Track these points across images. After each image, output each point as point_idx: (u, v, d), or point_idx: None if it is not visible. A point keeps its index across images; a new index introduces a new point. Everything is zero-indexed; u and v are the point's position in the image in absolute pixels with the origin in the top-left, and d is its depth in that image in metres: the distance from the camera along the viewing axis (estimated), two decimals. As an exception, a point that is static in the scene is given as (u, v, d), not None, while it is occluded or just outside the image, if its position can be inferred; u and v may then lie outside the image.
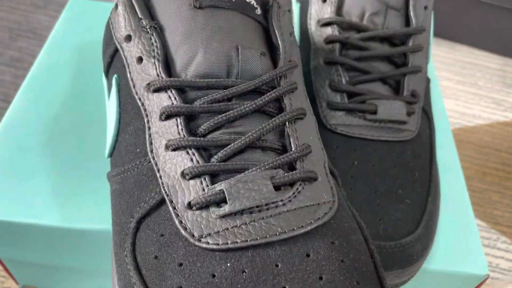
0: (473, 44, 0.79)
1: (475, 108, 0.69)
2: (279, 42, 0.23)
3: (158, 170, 0.21)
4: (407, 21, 0.33)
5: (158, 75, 0.21)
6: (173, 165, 0.20)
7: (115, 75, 0.24)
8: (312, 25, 0.34)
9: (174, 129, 0.21)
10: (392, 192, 0.29)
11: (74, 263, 0.34)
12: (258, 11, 0.23)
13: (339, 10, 0.33)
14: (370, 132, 0.30)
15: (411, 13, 0.32)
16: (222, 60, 0.21)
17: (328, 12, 0.33)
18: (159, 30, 0.22)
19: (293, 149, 0.21)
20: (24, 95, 0.37)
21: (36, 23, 0.68)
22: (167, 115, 0.21)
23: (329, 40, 0.32)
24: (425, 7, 0.33)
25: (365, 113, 0.31)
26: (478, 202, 0.56)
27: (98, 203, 0.30)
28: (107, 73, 0.26)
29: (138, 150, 0.22)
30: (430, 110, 0.34)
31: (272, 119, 0.21)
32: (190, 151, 0.20)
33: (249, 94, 0.22)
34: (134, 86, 0.22)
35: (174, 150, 0.20)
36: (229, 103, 0.21)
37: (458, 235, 0.33)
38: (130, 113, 0.23)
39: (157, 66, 0.21)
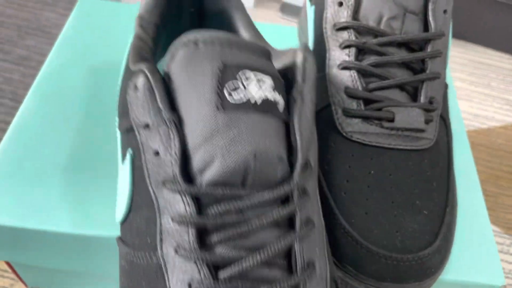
0: (486, 44, 0.78)
1: (489, 110, 0.68)
2: (298, 145, 0.23)
3: (166, 271, 0.21)
4: (426, 26, 0.32)
5: (174, 177, 0.21)
6: (181, 273, 0.21)
7: (130, 151, 0.24)
8: (328, 29, 0.33)
9: (185, 236, 0.21)
10: (409, 202, 0.28)
11: (84, 268, 0.34)
12: (281, 107, 0.22)
13: (355, 14, 0.32)
14: (387, 140, 0.30)
15: (430, 18, 0.31)
16: (239, 169, 0.21)
17: (344, 16, 0.32)
18: (179, 125, 0.21)
19: (298, 269, 0.22)
20: (35, 95, 0.36)
21: (45, 21, 0.67)
22: (180, 221, 0.21)
23: (345, 45, 0.32)
24: (445, 11, 0.32)
25: (382, 120, 0.30)
26: (492, 206, 0.55)
27: (109, 208, 0.30)
28: (122, 130, 0.26)
29: (149, 241, 0.22)
30: (448, 117, 0.34)
31: (282, 239, 0.21)
32: (198, 264, 0.21)
33: (262, 206, 0.22)
34: (148, 177, 0.22)
35: (183, 257, 0.21)
36: (242, 215, 0.21)
37: (474, 244, 0.32)
38: (143, 199, 0.23)
39: (174, 166, 0.21)
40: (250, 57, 0.22)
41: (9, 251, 0.32)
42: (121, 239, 0.25)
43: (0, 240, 0.31)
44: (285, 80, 0.24)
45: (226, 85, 0.21)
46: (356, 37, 0.31)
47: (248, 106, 0.21)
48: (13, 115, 0.53)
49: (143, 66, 0.22)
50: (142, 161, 0.23)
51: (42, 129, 0.34)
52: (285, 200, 0.22)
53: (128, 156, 0.24)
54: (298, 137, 0.22)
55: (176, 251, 0.21)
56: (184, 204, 0.21)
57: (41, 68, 0.39)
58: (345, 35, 0.32)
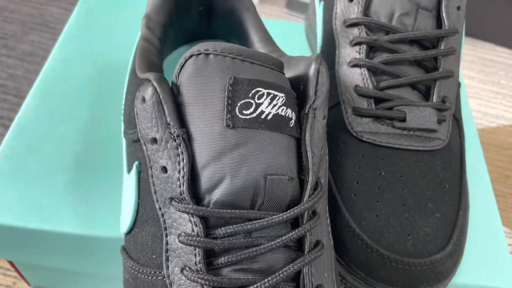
0: (495, 41, 0.77)
1: (498, 108, 0.66)
2: (309, 164, 0.22)
3: None
4: (439, 22, 0.31)
5: (181, 195, 0.20)
6: None
7: (137, 163, 0.23)
8: (338, 26, 0.32)
9: (192, 257, 0.20)
10: (421, 205, 0.27)
11: (86, 268, 0.34)
12: (292, 123, 0.22)
13: (366, 10, 0.31)
14: (398, 141, 0.29)
15: (443, 14, 0.30)
16: (249, 190, 0.20)
17: (354, 12, 0.31)
18: (187, 141, 0.21)
19: None
20: (38, 91, 0.36)
21: (49, 16, 0.67)
22: (186, 242, 0.20)
23: (356, 42, 0.31)
24: (458, 8, 0.31)
25: (393, 120, 0.29)
26: (501, 206, 0.54)
27: (111, 209, 0.29)
28: (127, 139, 0.25)
29: (154, 256, 0.22)
30: (461, 117, 0.33)
31: (292, 264, 0.21)
32: (205, 287, 0.20)
33: (271, 229, 0.21)
34: (155, 192, 0.22)
35: (189, 278, 0.20)
36: (250, 238, 0.20)
37: (485, 247, 0.32)
38: (149, 214, 0.22)
39: (182, 184, 0.20)
40: (262, 71, 0.21)
41: (11, 250, 0.32)
42: (125, 250, 0.24)
43: (2, 239, 0.30)
44: (296, 90, 0.23)
45: (237, 101, 0.20)
46: (367, 34, 0.31)
47: (259, 123, 0.20)
48: (17, 112, 0.53)
49: (151, 77, 0.21)
50: (149, 176, 0.22)
51: (45, 126, 0.33)
52: (295, 222, 0.22)
53: (134, 168, 0.23)
54: (309, 155, 0.22)
55: (182, 272, 0.20)
56: (192, 224, 0.20)
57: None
58: (355, 31, 0.31)
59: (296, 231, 0.21)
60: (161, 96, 0.20)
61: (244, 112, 0.20)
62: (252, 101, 0.20)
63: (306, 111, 0.22)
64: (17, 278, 0.41)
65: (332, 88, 0.31)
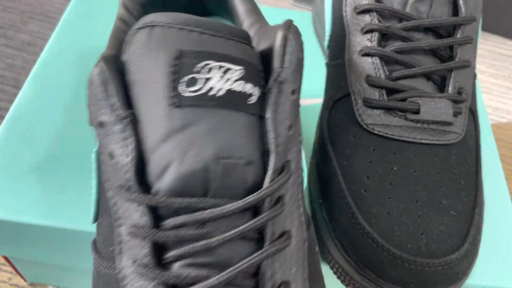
0: (506, 34, 0.75)
1: (509, 103, 0.65)
2: (271, 144, 0.19)
3: (125, 286, 0.19)
4: (455, 10, 0.29)
5: (128, 181, 0.19)
6: None
7: (95, 149, 0.21)
8: (348, 12, 0.30)
9: (141, 251, 0.18)
10: (435, 202, 0.26)
11: (84, 264, 0.32)
12: (253, 99, 0.19)
13: (378, -5, 0.29)
14: (411, 134, 0.27)
15: (460, 1, 0.29)
16: (198, 176, 0.18)
17: (366, -3, 0.30)
18: (135, 123, 0.19)
19: None
20: (34, 81, 0.34)
21: (49, 6, 0.65)
22: (135, 234, 0.18)
23: (367, 29, 0.29)
24: (476, -6, 0.30)
25: (406, 112, 0.27)
26: (512, 205, 0.53)
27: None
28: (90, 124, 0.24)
29: (111, 249, 0.20)
30: (476, 110, 0.31)
31: (250, 258, 0.18)
32: (155, 283, 0.18)
33: (227, 218, 0.19)
34: (106, 181, 0.20)
35: (139, 274, 0.18)
36: (203, 229, 0.18)
37: (500, 246, 0.30)
38: (105, 203, 0.21)
39: (129, 170, 0.18)
40: (215, 42, 0.19)
41: (6, 245, 0.31)
42: (93, 243, 0.23)
43: None
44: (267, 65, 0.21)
45: (182, 77, 0.18)
46: (379, 21, 0.29)
47: (208, 100, 0.18)
48: (14, 102, 0.51)
49: (101, 56, 0.19)
50: (102, 165, 0.20)
51: (40, 118, 0.32)
52: (257, 210, 0.19)
53: (92, 155, 0.22)
54: (271, 135, 0.19)
55: (133, 266, 0.19)
56: (140, 215, 0.18)
57: (41, 53, 0.37)
58: (367, 18, 0.29)
59: (255, 220, 0.19)
60: (106, 76, 0.19)
61: (191, 88, 0.18)
62: (200, 76, 0.18)
63: (270, 86, 0.20)
64: (12, 274, 0.40)
65: (341, 78, 0.30)
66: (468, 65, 0.29)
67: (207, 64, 0.18)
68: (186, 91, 0.18)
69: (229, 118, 0.19)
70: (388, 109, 0.28)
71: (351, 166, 0.27)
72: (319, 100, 0.37)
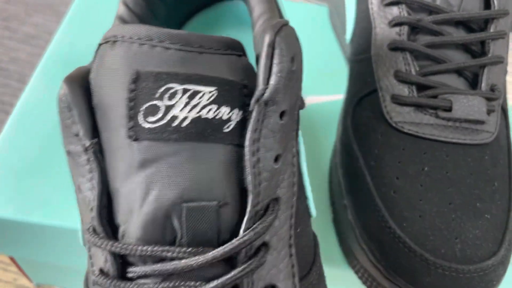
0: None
1: (523, 102, 0.63)
2: (249, 181, 0.16)
3: None
4: (487, 2, 0.28)
5: (94, 219, 0.16)
6: None
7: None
8: (374, 4, 0.29)
9: None
10: (469, 205, 0.25)
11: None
12: (231, 125, 0.16)
13: (407, -13, 0.28)
14: (442, 133, 0.26)
15: (493, -7, 0.27)
16: (160, 223, 0.16)
17: (394, -11, 0.28)
18: (99, 154, 0.16)
19: None
20: (41, 76, 0.33)
21: (54, -2, 0.64)
22: (100, 282, 0.16)
23: (396, 23, 0.28)
24: (509, -14, 0.28)
25: (437, 109, 0.26)
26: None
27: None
28: None
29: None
30: (507, 108, 0.30)
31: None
32: None
33: (196, 271, 0.16)
34: (81, 214, 0.18)
35: None
36: (169, 282, 0.16)
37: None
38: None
39: (94, 209, 0.16)
40: (182, 58, 0.16)
41: (12, 246, 0.30)
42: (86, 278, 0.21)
43: (3, 233, 0.28)
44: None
45: (141, 105, 0.15)
46: (409, 14, 0.27)
47: (171, 132, 0.15)
48: (19, 97, 0.50)
49: (68, 75, 0.17)
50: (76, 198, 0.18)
51: (48, 115, 0.31)
52: (232, 261, 0.17)
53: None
54: (249, 172, 0.16)
55: None
56: (104, 261, 0.16)
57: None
58: (395, 11, 0.28)
59: (228, 276, 0.16)
60: (69, 99, 0.16)
61: (150, 119, 0.15)
62: (160, 103, 0.15)
63: (251, 108, 0.16)
64: (18, 274, 0.38)
65: (367, 73, 0.28)
66: (501, 61, 0.27)
67: (169, 89, 0.15)
68: (145, 122, 0.15)
69: (197, 152, 0.16)
70: (419, 106, 0.26)
71: (380, 166, 0.26)
72: (336, 97, 0.35)
